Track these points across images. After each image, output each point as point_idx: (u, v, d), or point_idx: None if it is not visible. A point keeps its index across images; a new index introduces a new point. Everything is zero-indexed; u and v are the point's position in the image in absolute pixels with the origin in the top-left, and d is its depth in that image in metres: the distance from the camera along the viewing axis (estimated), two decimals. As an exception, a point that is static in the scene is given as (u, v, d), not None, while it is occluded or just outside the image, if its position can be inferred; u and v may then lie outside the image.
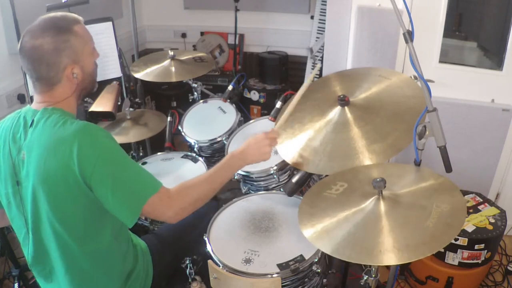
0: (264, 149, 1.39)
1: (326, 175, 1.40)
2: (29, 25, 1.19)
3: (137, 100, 2.51)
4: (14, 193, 1.21)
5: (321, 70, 2.67)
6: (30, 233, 1.22)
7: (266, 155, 1.40)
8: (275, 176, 1.69)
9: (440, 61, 2.31)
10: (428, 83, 1.24)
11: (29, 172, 1.15)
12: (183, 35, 3.81)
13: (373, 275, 1.23)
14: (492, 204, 2.05)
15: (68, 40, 1.18)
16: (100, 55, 1.34)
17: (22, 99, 2.40)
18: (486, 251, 1.87)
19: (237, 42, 3.55)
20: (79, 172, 1.10)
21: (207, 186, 1.28)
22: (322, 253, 1.30)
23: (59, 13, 1.24)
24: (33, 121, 1.17)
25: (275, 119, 1.91)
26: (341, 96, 1.50)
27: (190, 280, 1.49)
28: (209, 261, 1.32)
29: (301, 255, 1.31)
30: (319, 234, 1.12)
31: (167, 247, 1.53)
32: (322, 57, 3.11)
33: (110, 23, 2.27)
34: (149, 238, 1.53)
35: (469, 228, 1.88)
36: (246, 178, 1.78)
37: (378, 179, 1.14)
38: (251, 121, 2.09)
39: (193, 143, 2.11)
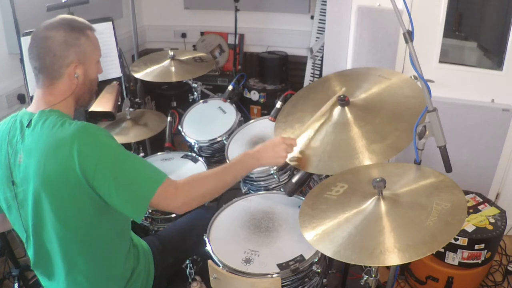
0: (280, 153, 1.39)
1: (326, 175, 1.40)
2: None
3: (137, 100, 2.51)
4: (12, 197, 1.21)
5: (321, 70, 2.66)
6: (31, 236, 1.22)
7: (280, 159, 1.40)
8: (275, 176, 1.69)
9: (440, 61, 2.31)
10: (428, 83, 1.24)
11: (28, 175, 1.15)
12: (183, 35, 3.81)
13: (373, 275, 1.23)
14: (492, 204, 2.05)
15: (79, 38, 1.22)
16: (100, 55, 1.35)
17: (22, 99, 2.40)
18: (486, 251, 1.87)
19: (237, 42, 3.55)
20: (81, 173, 1.10)
21: (217, 181, 1.29)
22: (322, 253, 1.29)
23: (77, 17, 1.28)
24: (30, 123, 1.17)
25: (275, 119, 1.90)
26: (341, 96, 1.50)
27: (190, 280, 1.49)
28: (209, 261, 1.32)
29: (301, 255, 1.31)
30: (320, 236, 1.12)
31: (169, 250, 1.53)
32: (322, 57, 3.12)
33: (110, 23, 2.27)
34: (152, 240, 1.53)
35: (469, 228, 1.88)
36: (246, 178, 1.78)
37: (378, 179, 1.14)
38: (251, 121, 2.09)
39: (193, 143, 2.11)
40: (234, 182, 1.33)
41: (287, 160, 1.51)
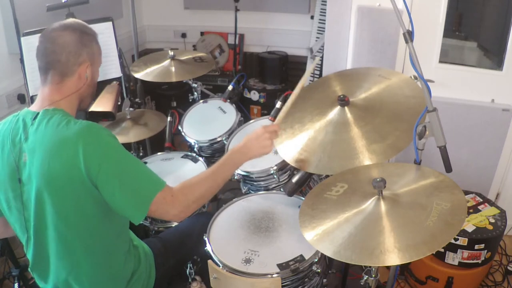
0: (265, 142, 1.38)
1: (326, 175, 1.40)
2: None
3: (137, 100, 2.51)
4: (15, 197, 1.20)
5: (321, 70, 2.66)
6: (32, 237, 1.22)
7: (267, 148, 1.39)
8: (275, 176, 1.69)
9: (440, 61, 2.31)
10: (428, 83, 1.24)
11: (31, 174, 1.15)
12: (183, 35, 3.81)
13: (373, 275, 1.23)
14: (492, 204, 2.05)
15: (91, 41, 1.28)
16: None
17: (22, 99, 2.40)
18: (486, 251, 1.87)
19: (237, 42, 3.55)
20: (86, 171, 1.10)
21: (210, 183, 1.29)
22: (322, 253, 1.29)
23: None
24: (34, 122, 1.17)
25: (275, 119, 1.90)
26: (341, 96, 1.50)
27: (190, 280, 1.49)
28: (209, 261, 1.32)
29: (301, 255, 1.31)
30: (320, 236, 1.12)
31: (171, 252, 1.53)
32: (322, 57, 3.12)
33: (110, 23, 2.27)
34: (153, 242, 1.53)
35: (469, 228, 1.88)
36: (246, 178, 1.78)
37: (378, 179, 1.14)
38: (251, 121, 2.09)
39: (193, 143, 2.11)
40: (225, 181, 1.33)
41: (287, 160, 1.52)
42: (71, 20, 1.29)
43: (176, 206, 1.21)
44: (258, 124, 2.04)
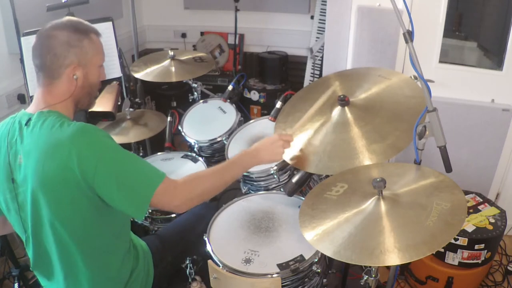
0: (278, 149, 1.41)
1: (326, 175, 1.40)
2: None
3: (137, 100, 2.51)
4: (12, 198, 1.21)
5: (321, 70, 2.66)
6: (31, 237, 1.22)
7: (278, 155, 1.42)
8: (275, 176, 1.69)
9: (440, 61, 2.31)
10: (428, 83, 1.24)
11: (27, 176, 1.15)
12: (183, 35, 3.81)
13: (373, 275, 1.23)
14: (492, 204, 2.05)
15: (82, 41, 1.22)
16: None
17: (22, 99, 2.40)
18: (486, 251, 1.87)
19: (237, 42, 3.55)
20: (80, 174, 1.10)
21: (216, 179, 1.29)
22: (322, 253, 1.29)
23: (84, 21, 1.29)
24: (28, 124, 1.17)
25: (275, 119, 1.91)
26: (341, 96, 1.50)
27: (190, 280, 1.49)
28: (209, 261, 1.32)
29: (301, 255, 1.31)
30: (320, 236, 1.12)
31: (168, 248, 1.53)
32: (322, 57, 3.12)
33: (110, 23, 2.27)
34: (150, 239, 1.53)
35: (469, 228, 1.88)
36: (246, 178, 1.78)
37: (378, 179, 1.14)
38: (251, 121, 2.09)
39: (193, 143, 2.11)
40: (233, 181, 1.34)
41: (287, 160, 1.52)
42: (64, 19, 1.24)
43: (177, 198, 1.21)
44: (258, 124, 2.04)
